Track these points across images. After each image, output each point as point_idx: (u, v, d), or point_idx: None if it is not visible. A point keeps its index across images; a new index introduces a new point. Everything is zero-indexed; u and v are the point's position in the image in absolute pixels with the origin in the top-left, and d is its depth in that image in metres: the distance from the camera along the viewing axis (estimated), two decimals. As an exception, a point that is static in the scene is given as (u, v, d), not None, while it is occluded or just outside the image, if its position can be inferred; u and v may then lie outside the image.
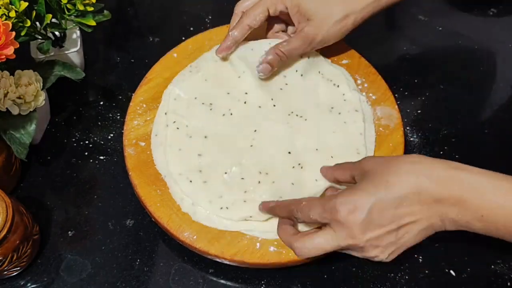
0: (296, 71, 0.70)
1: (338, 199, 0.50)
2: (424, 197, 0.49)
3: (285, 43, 0.66)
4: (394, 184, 0.49)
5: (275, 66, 0.67)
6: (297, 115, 0.67)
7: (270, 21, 0.70)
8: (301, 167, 0.63)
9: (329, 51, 0.73)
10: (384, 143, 0.66)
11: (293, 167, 0.63)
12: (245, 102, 0.68)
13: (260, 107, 0.68)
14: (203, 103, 0.68)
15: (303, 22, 0.66)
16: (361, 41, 0.78)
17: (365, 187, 0.50)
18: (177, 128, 0.65)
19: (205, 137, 0.65)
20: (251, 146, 0.65)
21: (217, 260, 0.59)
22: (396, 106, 0.69)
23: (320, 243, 0.51)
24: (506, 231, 0.48)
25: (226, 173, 0.62)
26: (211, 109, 0.67)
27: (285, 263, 0.58)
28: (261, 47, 0.69)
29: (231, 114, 0.67)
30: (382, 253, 0.51)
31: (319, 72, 0.71)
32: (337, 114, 0.67)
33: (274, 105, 0.68)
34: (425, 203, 0.49)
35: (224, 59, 0.71)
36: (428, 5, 0.86)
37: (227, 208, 0.60)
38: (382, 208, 0.49)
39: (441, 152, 0.71)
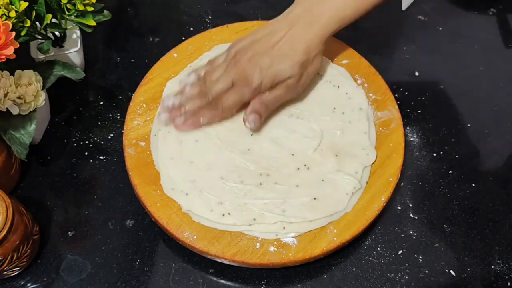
0: None
1: None
2: None
3: (268, 92, 0.63)
4: None
5: (263, 115, 0.63)
6: (297, 118, 0.67)
7: None
8: (308, 168, 0.63)
9: (329, 51, 0.73)
10: (384, 143, 0.66)
11: (298, 168, 0.63)
12: None
13: None
14: None
15: None
16: (361, 41, 0.78)
17: None
18: (169, 132, 0.65)
19: (196, 140, 0.65)
20: (249, 149, 0.64)
21: (217, 260, 0.59)
22: (396, 106, 0.69)
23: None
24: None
25: (222, 178, 0.62)
26: None
27: (285, 263, 0.58)
28: None
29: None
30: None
31: (318, 74, 0.70)
32: (340, 114, 0.67)
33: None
34: None
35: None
36: (428, 5, 0.86)
37: (229, 214, 0.60)
38: None
39: (441, 152, 0.71)
